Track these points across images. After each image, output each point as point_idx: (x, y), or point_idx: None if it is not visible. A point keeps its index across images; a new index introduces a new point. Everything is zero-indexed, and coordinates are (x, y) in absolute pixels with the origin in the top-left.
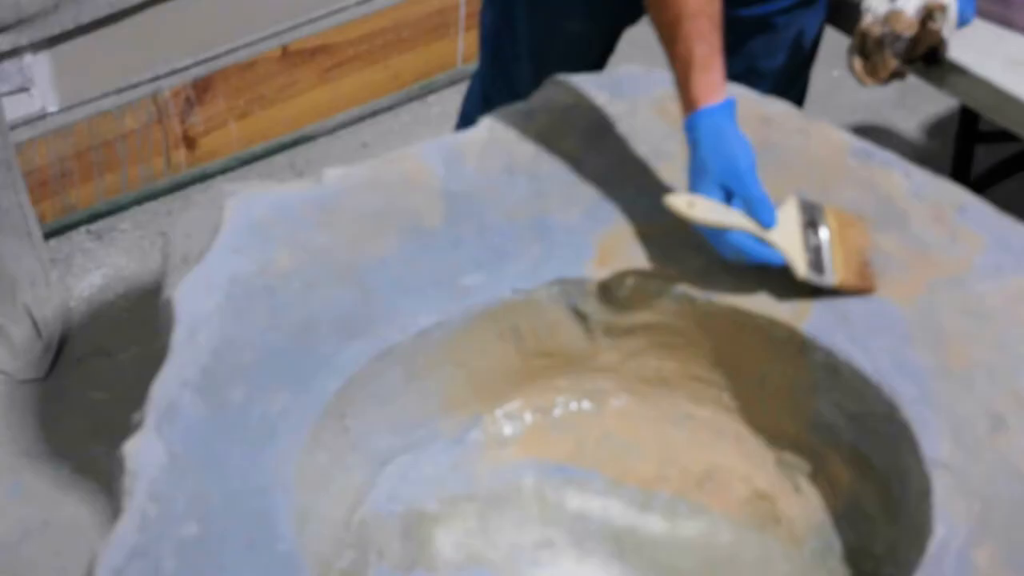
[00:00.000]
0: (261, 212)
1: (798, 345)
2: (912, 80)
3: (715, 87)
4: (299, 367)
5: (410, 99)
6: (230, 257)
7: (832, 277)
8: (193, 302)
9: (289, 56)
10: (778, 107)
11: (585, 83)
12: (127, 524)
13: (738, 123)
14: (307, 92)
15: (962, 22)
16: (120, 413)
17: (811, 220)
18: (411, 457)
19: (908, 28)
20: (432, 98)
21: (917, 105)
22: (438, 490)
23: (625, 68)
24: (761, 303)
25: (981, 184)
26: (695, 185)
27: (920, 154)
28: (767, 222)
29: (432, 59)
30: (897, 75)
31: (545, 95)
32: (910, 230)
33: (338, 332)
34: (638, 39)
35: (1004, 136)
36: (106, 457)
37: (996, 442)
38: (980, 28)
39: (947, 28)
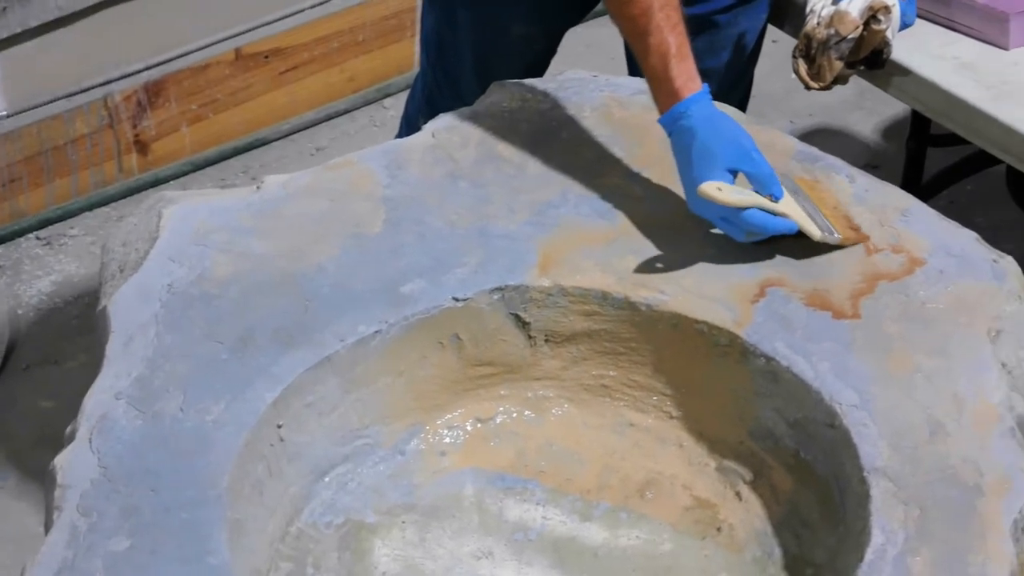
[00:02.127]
0: (199, 220)
1: (739, 351)
2: (869, 82)
3: (695, 75)
4: (235, 377)
5: (366, 102)
6: (167, 266)
7: (837, 234)
8: (129, 311)
9: (243, 59)
10: (725, 111)
11: (530, 87)
12: (56, 539)
13: None
14: (261, 96)
15: (904, 24)
16: (67, 422)
17: (793, 189)
18: (349, 467)
19: (852, 30)
20: (388, 101)
21: (874, 107)
22: (376, 501)
23: (571, 72)
24: (703, 309)
25: (933, 187)
26: (703, 171)
27: (876, 157)
28: (779, 195)
29: (388, 62)
30: (840, 79)
31: (490, 100)
32: None
33: (275, 341)
34: (589, 41)
35: (955, 140)
36: None
37: (935, 448)
38: (924, 30)
39: (891, 30)
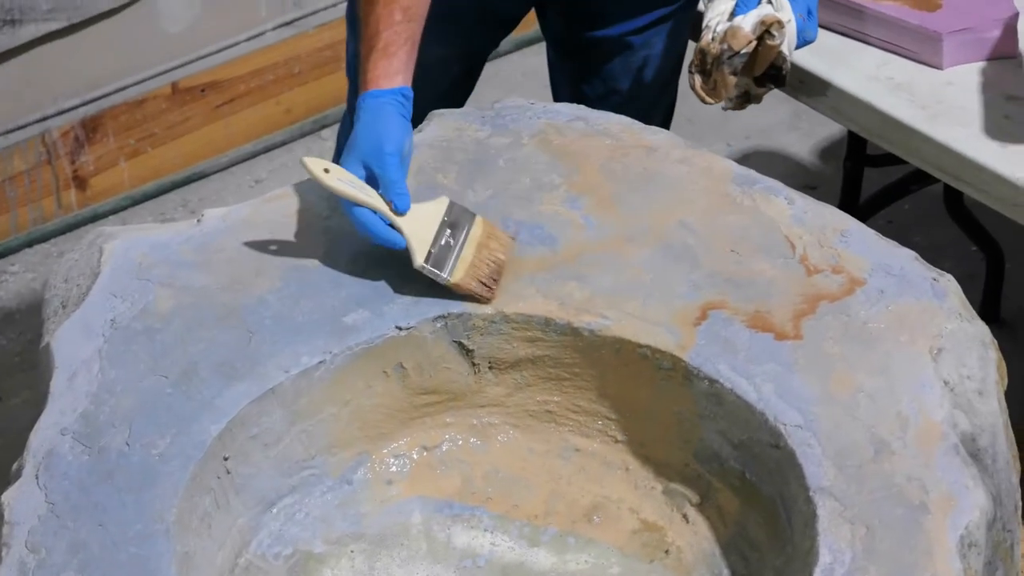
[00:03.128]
0: (140, 254)
1: (682, 374)
2: (805, 104)
3: (392, 73)
4: (180, 410)
5: (303, 134)
6: (109, 301)
7: (447, 274)
8: (72, 347)
9: (179, 93)
10: (661, 136)
11: (467, 116)
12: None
13: (405, 115)
14: (198, 129)
15: (805, 41)
16: (11, 459)
17: (454, 223)
18: (296, 498)
19: (745, 45)
20: (325, 132)
21: (810, 129)
22: (324, 531)
23: (508, 100)
24: (645, 333)
25: (871, 207)
26: (342, 159)
27: (813, 178)
28: (398, 206)
29: (324, 93)
30: (753, 99)
31: (427, 129)
32: (793, 256)
33: (219, 374)
34: (525, 70)
35: (892, 160)
36: None
37: (880, 467)
38: (859, 51)
39: (786, 45)
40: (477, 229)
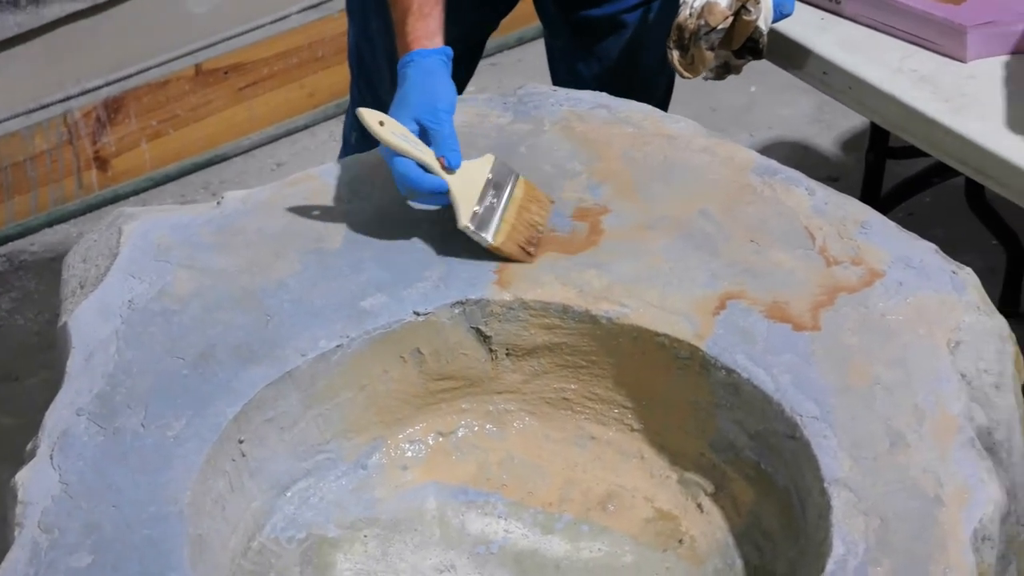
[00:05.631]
0: (159, 236)
1: (699, 364)
2: (829, 96)
3: (431, 34)
4: (196, 392)
5: (326, 117)
6: (127, 282)
7: (490, 237)
8: (89, 328)
9: (202, 75)
10: (682, 125)
11: (489, 103)
12: (17, 556)
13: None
14: (221, 111)
15: (781, 15)
16: (28, 439)
17: (498, 182)
18: (311, 482)
19: (722, 20)
20: None
21: (833, 120)
22: (339, 515)
23: (530, 86)
24: (663, 322)
25: (892, 199)
26: (396, 115)
27: (835, 169)
28: (451, 161)
29: (347, 77)
30: (733, 69)
31: None
32: (813, 247)
33: (236, 357)
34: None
35: (914, 152)
36: None
37: (895, 459)
38: (882, 43)
39: (763, 19)
40: (519, 190)
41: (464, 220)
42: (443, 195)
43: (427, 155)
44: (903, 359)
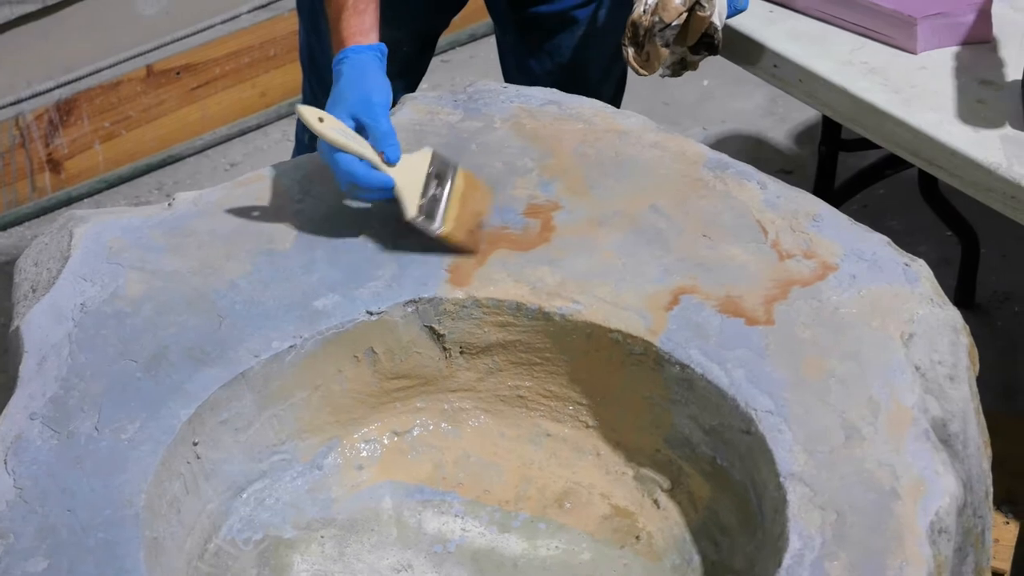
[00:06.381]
0: (111, 238)
1: (653, 359)
2: (780, 89)
3: (366, 30)
4: (150, 395)
5: (279, 117)
6: (79, 285)
7: (440, 226)
8: (42, 331)
9: (154, 76)
10: (633, 121)
11: (439, 100)
12: None
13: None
14: (174, 112)
15: (735, 10)
16: None
17: (439, 173)
18: (267, 483)
19: (676, 17)
20: None
21: (786, 114)
22: (295, 516)
23: (480, 84)
24: (617, 318)
25: (845, 192)
26: (329, 112)
27: (788, 162)
28: (389, 156)
29: (299, 75)
30: (689, 66)
31: (399, 113)
32: (765, 241)
33: (189, 359)
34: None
35: (867, 144)
36: None
37: (851, 452)
38: (833, 35)
39: (717, 15)
40: (460, 180)
41: (411, 212)
42: (387, 190)
43: (367, 149)
44: (857, 352)
